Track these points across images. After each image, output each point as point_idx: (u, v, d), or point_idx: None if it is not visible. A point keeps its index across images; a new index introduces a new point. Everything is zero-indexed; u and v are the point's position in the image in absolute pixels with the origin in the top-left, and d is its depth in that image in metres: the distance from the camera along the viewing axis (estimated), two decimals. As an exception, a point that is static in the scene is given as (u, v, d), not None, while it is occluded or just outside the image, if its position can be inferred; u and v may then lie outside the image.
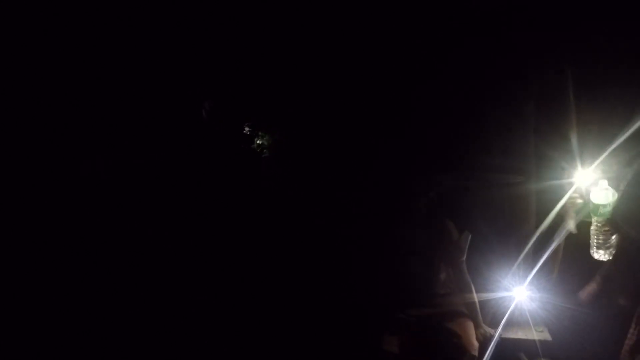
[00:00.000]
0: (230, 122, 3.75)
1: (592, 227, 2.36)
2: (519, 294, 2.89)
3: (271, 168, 3.63)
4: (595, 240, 2.38)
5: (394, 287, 2.73)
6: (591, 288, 2.70)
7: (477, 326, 2.70)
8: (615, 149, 2.47)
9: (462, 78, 3.25)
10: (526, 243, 2.96)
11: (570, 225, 2.63)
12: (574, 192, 2.55)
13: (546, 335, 2.89)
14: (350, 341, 2.65)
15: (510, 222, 3.04)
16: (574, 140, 2.77)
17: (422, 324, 2.64)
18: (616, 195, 2.27)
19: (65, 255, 3.31)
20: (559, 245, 2.81)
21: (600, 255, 2.39)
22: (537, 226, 2.91)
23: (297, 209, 3.43)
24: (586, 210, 2.49)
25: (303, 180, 3.49)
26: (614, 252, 2.38)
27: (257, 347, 2.86)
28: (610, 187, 2.29)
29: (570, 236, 2.62)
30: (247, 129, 3.82)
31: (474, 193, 3.07)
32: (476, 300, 2.74)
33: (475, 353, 2.57)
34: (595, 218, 2.32)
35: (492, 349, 2.70)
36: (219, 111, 3.74)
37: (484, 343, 2.68)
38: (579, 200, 2.54)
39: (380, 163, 3.25)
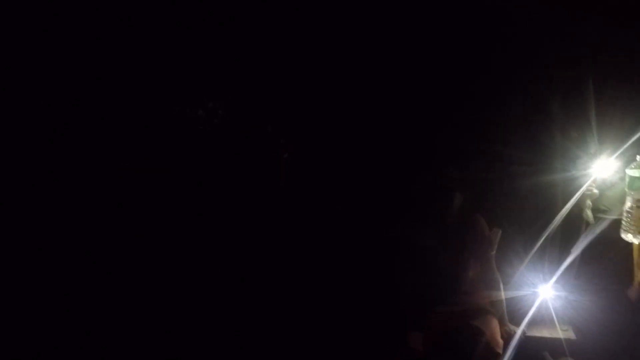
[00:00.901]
0: (249, 122, 3.69)
1: (626, 206, 2.31)
2: (543, 291, 2.85)
3: (292, 168, 3.58)
4: (627, 221, 2.33)
5: (422, 283, 2.68)
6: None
7: (502, 324, 2.66)
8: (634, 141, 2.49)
9: (483, 70, 3.22)
10: (550, 239, 2.92)
11: (589, 216, 2.62)
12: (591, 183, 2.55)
13: (571, 334, 2.85)
14: (376, 338, 2.61)
15: (534, 217, 2.99)
16: (593, 132, 2.76)
17: (447, 321, 2.60)
18: None
19: (66, 255, 3.27)
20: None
21: (630, 238, 2.34)
22: (561, 220, 2.88)
23: (319, 207, 3.37)
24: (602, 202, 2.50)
25: (325, 179, 3.43)
26: None
27: (277, 346, 2.84)
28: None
29: (600, 234, 2.59)
30: (268, 128, 3.75)
31: (499, 187, 3.02)
32: (503, 297, 2.70)
33: (500, 351, 2.53)
34: (632, 194, 2.27)
35: (517, 347, 2.66)
36: (238, 110, 3.69)
37: (508, 341, 2.64)
38: (595, 191, 2.53)
39: (406, 159, 3.20)
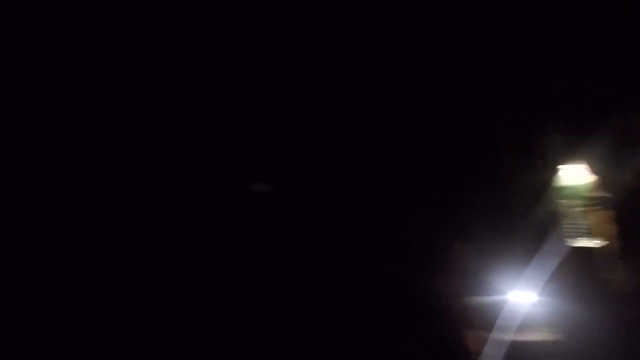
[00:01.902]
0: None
1: (571, 212, 2.39)
2: (524, 297, 2.96)
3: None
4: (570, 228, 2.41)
5: (397, 294, 2.88)
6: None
7: (478, 331, 2.81)
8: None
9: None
10: (530, 246, 3.02)
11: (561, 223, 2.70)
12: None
13: (552, 337, 2.93)
14: (355, 348, 2.80)
15: (513, 226, 3.09)
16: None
17: (423, 330, 2.77)
18: (593, 178, 2.31)
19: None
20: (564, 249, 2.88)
21: (582, 242, 2.42)
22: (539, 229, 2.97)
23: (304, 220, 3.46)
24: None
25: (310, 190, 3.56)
26: (605, 239, 2.40)
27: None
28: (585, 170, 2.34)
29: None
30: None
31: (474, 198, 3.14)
32: (478, 305, 2.84)
33: (476, 357, 2.68)
34: (574, 201, 2.35)
35: (500, 353, 2.78)
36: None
37: (486, 347, 2.78)
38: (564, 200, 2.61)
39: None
